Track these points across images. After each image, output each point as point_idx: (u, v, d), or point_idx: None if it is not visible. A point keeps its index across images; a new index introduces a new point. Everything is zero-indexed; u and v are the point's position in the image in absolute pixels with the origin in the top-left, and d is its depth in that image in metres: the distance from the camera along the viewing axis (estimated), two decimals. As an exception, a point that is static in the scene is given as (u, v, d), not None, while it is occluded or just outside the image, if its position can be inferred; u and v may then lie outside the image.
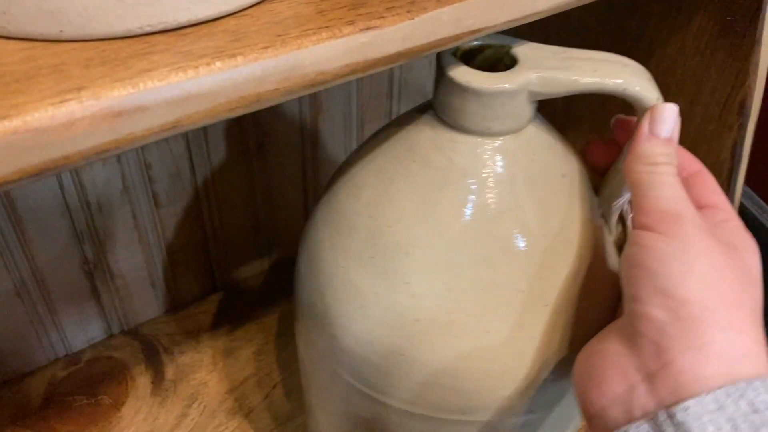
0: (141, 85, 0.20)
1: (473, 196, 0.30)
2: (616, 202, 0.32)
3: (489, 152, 0.30)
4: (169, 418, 0.49)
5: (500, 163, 0.30)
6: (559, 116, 0.55)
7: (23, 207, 0.44)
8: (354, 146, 0.58)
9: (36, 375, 0.51)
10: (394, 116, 0.58)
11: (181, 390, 0.51)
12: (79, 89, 0.19)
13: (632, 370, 0.26)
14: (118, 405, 0.50)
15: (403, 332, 0.30)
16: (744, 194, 0.46)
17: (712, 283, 0.25)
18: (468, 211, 0.30)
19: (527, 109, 0.30)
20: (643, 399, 0.25)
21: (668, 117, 0.29)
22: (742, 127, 0.43)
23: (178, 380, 0.52)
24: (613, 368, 0.27)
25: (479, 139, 0.30)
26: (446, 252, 0.30)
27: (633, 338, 0.26)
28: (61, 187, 0.45)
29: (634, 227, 0.28)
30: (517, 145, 0.30)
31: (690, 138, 0.47)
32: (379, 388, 0.32)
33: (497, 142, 0.30)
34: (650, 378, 0.25)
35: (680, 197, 0.27)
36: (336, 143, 0.57)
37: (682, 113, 0.47)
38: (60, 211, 0.46)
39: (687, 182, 0.30)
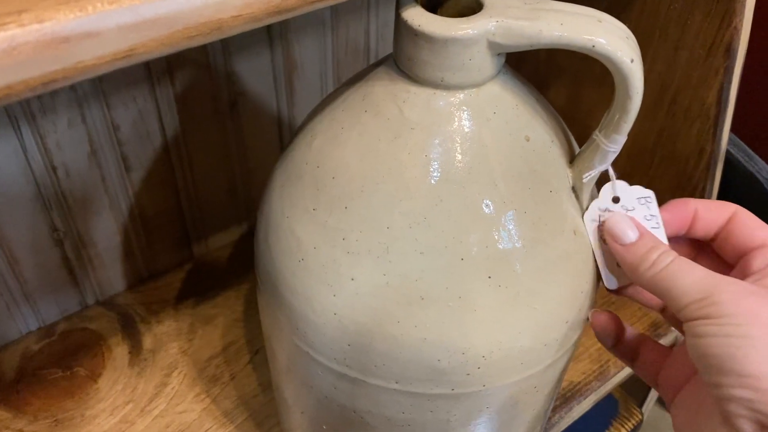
0: (90, 8, 0.18)
1: (421, 152, 0.28)
2: (587, 174, 0.30)
3: (442, 106, 0.28)
4: (148, 388, 0.48)
5: (454, 119, 0.28)
6: (542, 66, 0.54)
7: (-16, 172, 0.42)
8: (331, 105, 0.56)
9: (8, 349, 0.50)
10: (371, 73, 0.56)
11: (159, 359, 0.50)
12: (20, 12, 0.17)
13: None
14: (94, 377, 0.48)
15: (338, 290, 0.29)
16: (730, 141, 0.45)
17: None
18: (413, 169, 0.28)
19: (489, 62, 0.28)
20: None
21: (621, 223, 0.30)
22: (729, 71, 0.42)
23: (157, 350, 0.50)
24: None
25: (433, 92, 0.28)
26: (386, 209, 0.28)
27: (732, 421, 0.26)
28: (24, 150, 0.43)
29: (683, 321, 0.27)
30: (475, 101, 0.28)
31: (675, 84, 0.46)
32: (316, 346, 0.31)
33: (453, 97, 0.28)
34: None
35: (702, 275, 0.27)
36: (312, 103, 0.55)
37: (666, 59, 0.46)
38: (25, 177, 0.44)
39: (726, 231, 0.30)
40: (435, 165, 0.28)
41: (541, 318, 0.29)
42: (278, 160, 0.34)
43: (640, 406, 0.64)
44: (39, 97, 0.41)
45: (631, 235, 0.29)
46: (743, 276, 0.29)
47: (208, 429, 0.45)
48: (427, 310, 0.28)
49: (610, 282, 0.31)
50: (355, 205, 0.29)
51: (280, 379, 0.38)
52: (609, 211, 0.30)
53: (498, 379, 0.30)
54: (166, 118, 0.48)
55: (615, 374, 0.50)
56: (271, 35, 0.49)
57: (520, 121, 0.29)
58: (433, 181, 0.28)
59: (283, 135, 0.55)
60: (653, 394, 0.63)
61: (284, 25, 0.49)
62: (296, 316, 0.31)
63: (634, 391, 0.64)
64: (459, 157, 0.28)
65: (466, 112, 0.28)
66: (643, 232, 0.30)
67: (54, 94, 0.42)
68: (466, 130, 0.28)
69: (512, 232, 0.28)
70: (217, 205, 0.55)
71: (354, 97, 0.30)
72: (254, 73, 0.50)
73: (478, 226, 0.28)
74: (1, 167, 0.43)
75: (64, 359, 0.49)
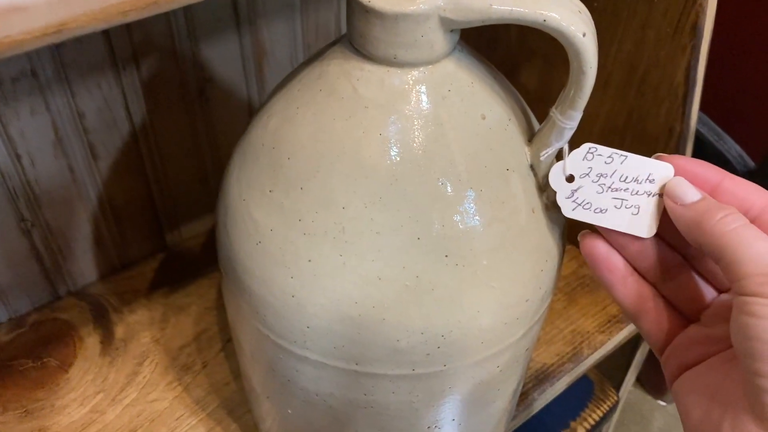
0: (15, -19, 0.18)
1: (376, 131, 0.28)
2: (545, 152, 0.29)
3: (396, 84, 0.28)
4: (120, 377, 0.47)
5: (409, 97, 0.28)
6: (513, 49, 0.53)
7: (-54, 161, 0.42)
8: (303, 91, 0.56)
9: (-22, 341, 0.49)
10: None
11: (131, 348, 0.49)
12: (-59, -15, 0.17)
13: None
14: (65, 367, 0.48)
15: (295, 272, 0.29)
16: (699, 120, 0.45)
17: None
18: (367, 149, 0.28)
19: (442, 39, 0.27)
20: None
21: (682, 185, 0.28)
22: (696, 49, 0.42)
23: (129, 339, 0.50)
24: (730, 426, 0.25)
25: (387, 69, 0.28)
26: (342, 189, 0.28)
27: (762, 409, 0.24)
28: (-13, 139, 0.42)
29: (736, 292, 0.25)
30: (429, 79, 0.28)
31: (643, 64, 0.46)
32: (275, 330, 0.31)
33: (407, 74, 0.28)
34: None
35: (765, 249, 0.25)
36: (283, 88, 0.55)
37: (634, 38, 0.46)
38: (-12, 166, 0.43)
39: (761, 220, 0.28)
40: (390, 144, 0.28)
41: (501, 297, 0.29)
42: (237, 141, 0.33)
43: (617, 388, 0.64)
44: None
45: (694, 194, 0.27)
46: None
47: (179, 417, 0.45)
48: (384, 290, 0.28)
49: (646, 231, 0.30)
50: (311, 185, 0.28)
51: (246, 366, 0.37)
52: (580, 187, 0.29)
53: (458, 359, 0.30)
54: (133, 105, 0.47)
55: (588, 356, 0.50)
56: (239, 20, 0.48)
57: (476, 99, 0.29)
58: (388, 161, 0.28)
59: (254, 121, 0.55)
60: (630, 376, 0.64)
61: (252, 9, 0.49)
62: (256, 300, 0.31)
63: (611, 373, 0.65)
64: (415, 135, 0.28)
65: (421, 90, 0.28)
66: (706, 195, 0.28)
67: (15, 81, 0.41)
68: (422, 108, 0.28)
69: (469, 211, 0.28)
70: (188, 193, 0.55)
71: (310, 76, 0.30)
72: (222, 59, 0.49)
73: (434, 206, 0.28)
74: (-37, 156, 0.42)
75: (34, 350, 0.49)
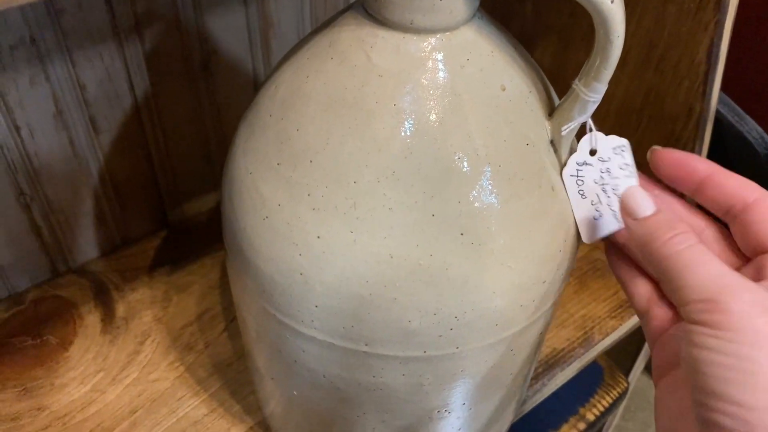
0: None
1: (390, 101, 0.26)
2: (566, 126, 0.28)
3: (412, 52, 0.26)
4: (121, 356, 0.46)
5: (425, 66, 0.26)
6: (528, 25, 0.52)
7: (-57, 132, 0.41)
8: (310, 67, 0.54)
9: (-24, 317, 0.48)
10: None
11: (133, 327, 0.48)
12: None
13: None
14: (65, 345, 0.47)
15: (304, 249, 0.28)
16: (720, 101, 0.44)
17: None
18: (380, 120, 0.26)
19: (462, 4, 0.26)
20: None
21: (637, 196, 0.27)
22: (720, 25, 0.41)
23: (130, 317, 0.49)
24: None
25: (403, 36, 0.26)
26: (353, 163, 0.27)
27: None
28: (-15, 110, 0.41)
29: (682, 318, 0.24)
30: (447, 47, 0.26)
31: (663, 41, 0.44)
32: (281, 308, 0.30)
33: (424, 41, 0.26)
34: None
35: (717, 273, 0.24)
36: (290, 63, 0.53)
37: (654, 14, 0.44)
38: (-14, 138, 0.42)
39: (747, 217, 0.27)
40: (405, 115, 0.26)
41: (517, 277, 0.28)
42: (243, 114, 0.32)
43: (627, 374, 0.63)
44: (-2, 53, 0.40)
45: (646, 208, 0.26)
46: (758, 276, 0.26)
47: (181, 397, 0.44)
48: (396, 269, 0.27)
49: (587, 236, 0.30)
50: (321, 158, 0.27)
51: (251, 346, 0.36)
52: (587, 164, 0.29)
53: (471, 342, 0.29)
54: (135, 77, 0.46)
55: (599, 341, 0.49)
56: (245, -9, 0.47)
57: (496, 69, 0.28)
58: (402, 133, 0.26)
59: (260, 97, 0.53)
60: (640, 363, 0.63)
61: (259, -20, 0.47)
62: (262, 277, 0.29)
63: (621, 359, 0.63)
64: (431, 106, 0.26)
65: (438, 59, 0.26)
66: (661, 209, 0.27)
67: (13, 48, 0.40)
68: (439, 77, 0.26)
69: (486, 187, 0.27)
70: (191, 170, 0.54)
71: (320, 44, 0.28)
72: (228, 31, 0.48)
73: (450, 181, 0.27)
74: (-40, 127, 0.41)
75: (34, 327, 0.48)
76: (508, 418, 0.41)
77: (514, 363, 0.33)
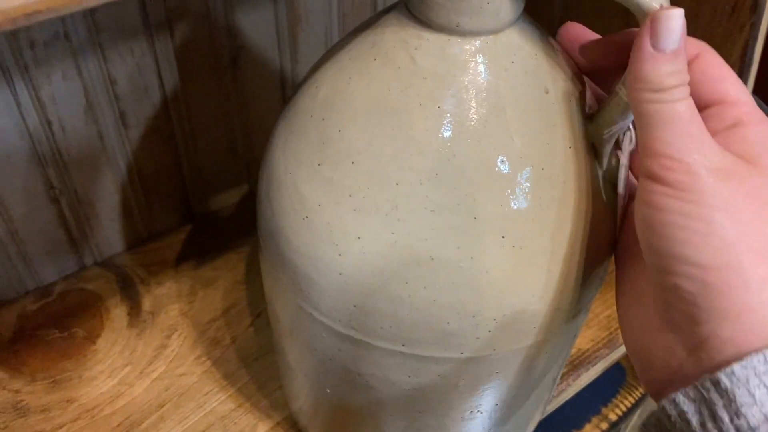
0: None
1: (434, 104, 0.26)
2: (608, 130, 0.28)
3: (457, 54, 0.26)
4: (148, 350, 0.47)
5: (469, 68, 0.26)
6: (557, 23, 0.51)
7: (-24, 126, 0.41)
8: (336, 63, 0.54)
9: (5, 308, 0.49)
10: (378, 30, 0.54)
11: (159, 321, 0.49)
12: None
13: (676, 347, 0.24)
14: (92, 338, 0.47)
15: (343, 249, 0.28)
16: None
17: (738, 239, 0.22)
18: (424, 122, 0.26)
19: (509, 6, 0.26)
20: (691, 374, 0.23)
21: (674, 26, 0.23)
22: (755, 27, 0.40)
23: (156, 312, 0.49)
24: (657, 347, 0.24)
25: (448, 38, 0.26)
26: (394, 166, 0.27)
27: (667, 312, 0.24)
28: (18, 104, 0.41)
29: (641, 173, 0.24)
30: (492, 49, 0.26)
31: (697, 42, 0.44)
32: (319, 307, 0.30)
33: (468, 44, 0.26)
34: (694, 352, 0.23)
35: (693, 134, 0.23)
36: (316, 58, 0.53)
37: (688, 14, 0.44)
38: (18, 131, 0.42)
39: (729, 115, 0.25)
40: (448, 117, 0.26)
41: (556, 280, 0.28)
42: (280, 113, 0.32)
43: (647, 374, 0.63)
44: (32, 48, 0.40)
45: (672, 42, 0.23)
46: None
47: (208, 392, 0.44)
48: (437, 271, 0.27)
49: None
50: (363, 159, 0.27)
51: (282, 342, 0.36)
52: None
53: (509, 344, 0.29)
54: (165, 72, 0.46)
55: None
56: (275, -13, 0.47)
57: (540, 72, 0.27)
58: (446, 135, 0.26)
59: (285, 93, 0.53)
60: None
61: (288, -24, 0.47)
62: (300, 276, 0.30)
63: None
64: (474, 109, 0.26)
65: (482, 61, 0.26)
66: (683, 53, 0.23)
67: (47, 44, 0.40)
68: (482, 80, 0.26)
69: (528, 190, 0.27)
70: (217, 164, 0.54)
71: (362, 45, 0.28)
72: (256, 27, 0.48)
73: (492, 183, 0.27)
74: (-7, 121, 0.41)
75: (61, 320, 0.48)
76: (537, 419, 0.41)
77: (547, 365, 0.33)
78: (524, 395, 0.35)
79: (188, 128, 0.50)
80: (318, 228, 0.28)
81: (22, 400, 0.44)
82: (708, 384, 0.22)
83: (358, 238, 0.27)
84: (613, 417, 0.58)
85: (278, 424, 0.43)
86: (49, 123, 0.43)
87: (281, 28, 0.49)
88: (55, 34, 0.40)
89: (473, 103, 0.26)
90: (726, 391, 0.21)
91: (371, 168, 0.27)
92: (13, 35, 0.39)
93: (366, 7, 0.52)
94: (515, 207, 0.27)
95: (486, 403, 0.33)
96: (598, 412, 0.58)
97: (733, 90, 0.25)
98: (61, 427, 0.42)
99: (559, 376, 0.40)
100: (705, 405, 0.22)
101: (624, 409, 0.59)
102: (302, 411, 0.40)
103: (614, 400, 0.59)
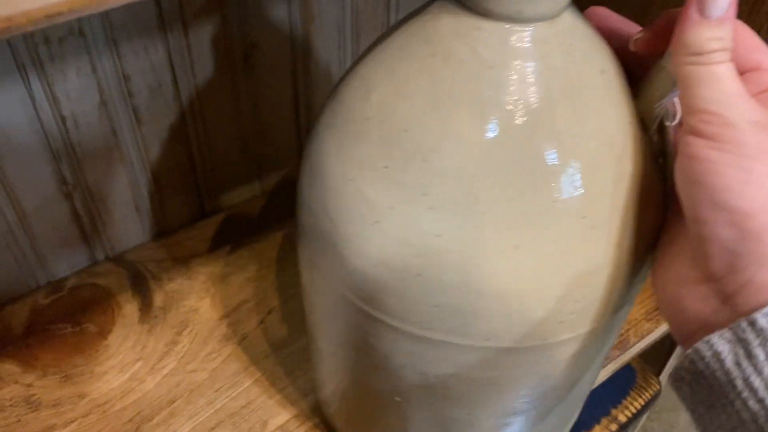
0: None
1: (502, 93, 0.26)
2: (658, 104, 0.28)
3: (519, 41, 0.26)
4: (159, 346, 0.47)
5: (533, 54, 0.26)
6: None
7: (-9, 121, 0.41)
8: (349, 60, 0.54)
9: (17, 303, 0.49)
10: (391, 27, 0.54)
11: (170, 317, 0.49)
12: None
13: (711, 296, 0.24)
14: (104, 333, 0.48)
15: (421, 249, 0.27)
16: None
17: None
18: (497, 111, 0.26)
19: None
20: (724, 321, 0.24)
21: None
22: (772, 29, 0.40)
23: (168, 307, 0.49)
24: (691, 297, 0.25)
25: (508, 26, 0.26)
26: (470, 158, 0.26)
27: (705, 263, 0.24)
28: (32, 99, 0.42)
29: (683, 131, 0.25)
30: (552, 34, 0.26)
31: (713, 43, 0.43)
32: (391, 311, 0.29)
33: (529, 30, 0.26)
34: (729, 300, 0.24)
35: (732, 91, 0.24)
36: (329, 57, 0.53)
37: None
38: (32, 127, 0.43)
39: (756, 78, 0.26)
40: (520, 104, 0.26)
41: (628, 258, 0.28)
42: (318, 123, 0.31)
43: (658, 375, 0.63)
44: (47, 44, 0.40)
45: (717, 9, 0.24)
46: None
47: (218, 389, 0.45)
48: (522, 260, 0.27)
49: None
50: (436, 156, 0.27)
51: (321, 340, 0.36)
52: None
53: (587, 324, 0.29)
54: (179, 69, 0.46)
55: (635, 344, 0.49)
56: (289, -16, 0.47)
57: (595, 54, 0.27)
58: (519, 122, 0.26)
59: (298, 91, 0.53)
60: (671, 364, 0.62)
61: (302, -27, 0.47)
62: (371, 283, 0.29)
63: (652, 360, 0.63)
64: (543, 93, 0.26)
65: (545, 47, 0.26)
66: (729, 20, 0.24)
67: (62, 40, 0.40)
68: (547, 64, 0.26)
69: (601, 168, 0.27)
70: (229, 162, 0.54)
71: (413, 42, 0.28)
72: (270, 23, 0.48)
73: (568, 166, 0.26)
74: (8, 116, 0.41)
75: (73, 315, 0.49)
76: (575, 416, 0.41)
77: (606, 346, 0.34)
78: (579, 385, 0.35)
79: (201, 125, 0.50)
80: (390, 231, 0.28)
81: (34, 395, 0.44)
82: (744, 324, 0.23)
83: (437, 236, 0.27)
84: (622, 418, 0.58)
85: (288, 421, 0.43)
86: (63, 118, 0.43)
87: (294, 26, 0.49)
88: (70, 30, 0.40)
89: (541, 88, 0.26)
90: (762, 330, 0.22)
91: (447, 163, 0.26)
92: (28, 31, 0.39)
93: (378, 5, 0.52)
94: (591, 186, 0.27)
95: (546, 390, 0.33)
96: (607, 414, 0.58)
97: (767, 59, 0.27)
98: (72, 422, 0.43)
99: (596, 377, 0.39)
100: (740, 344, 0.23)
101: (634, 410, 0.59)
102: (330, 400, 0.40)
103: (624, 402, 0.59)
